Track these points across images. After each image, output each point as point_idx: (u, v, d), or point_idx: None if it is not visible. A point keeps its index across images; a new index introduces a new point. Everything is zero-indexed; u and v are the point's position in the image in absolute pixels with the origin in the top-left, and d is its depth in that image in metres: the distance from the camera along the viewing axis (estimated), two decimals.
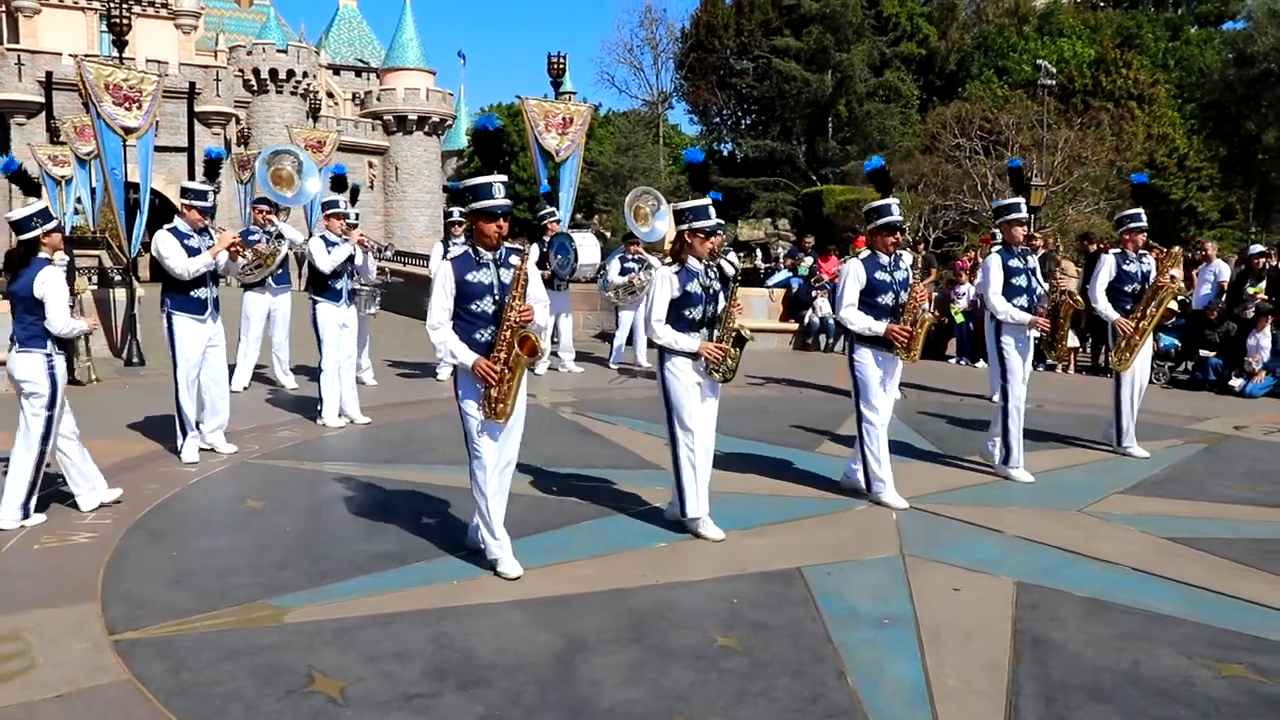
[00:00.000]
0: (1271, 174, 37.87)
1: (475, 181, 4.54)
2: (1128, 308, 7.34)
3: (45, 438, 5.43)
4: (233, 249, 6.94)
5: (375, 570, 4.74)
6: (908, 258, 6.16)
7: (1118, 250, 7.55)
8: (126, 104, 11.52)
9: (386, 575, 4.68)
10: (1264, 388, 10.59)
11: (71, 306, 5.80)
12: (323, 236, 8.41)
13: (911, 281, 5.91)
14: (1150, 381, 8.14)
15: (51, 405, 5.43)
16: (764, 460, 7.08)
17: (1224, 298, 12.11)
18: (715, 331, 5.21)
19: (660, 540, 5.24)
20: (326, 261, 8.23)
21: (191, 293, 6.85)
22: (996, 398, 6.93)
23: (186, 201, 6.95)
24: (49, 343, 5.43)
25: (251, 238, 8.95)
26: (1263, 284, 11.60)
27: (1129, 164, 30.17)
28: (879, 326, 5.80)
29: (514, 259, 4.61)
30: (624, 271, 11.49)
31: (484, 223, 4.53)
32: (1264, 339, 10.75)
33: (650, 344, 5.85)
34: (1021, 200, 7.12)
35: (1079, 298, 7.54)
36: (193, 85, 41.64)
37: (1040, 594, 4.52)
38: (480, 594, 4.47)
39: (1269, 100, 35.47)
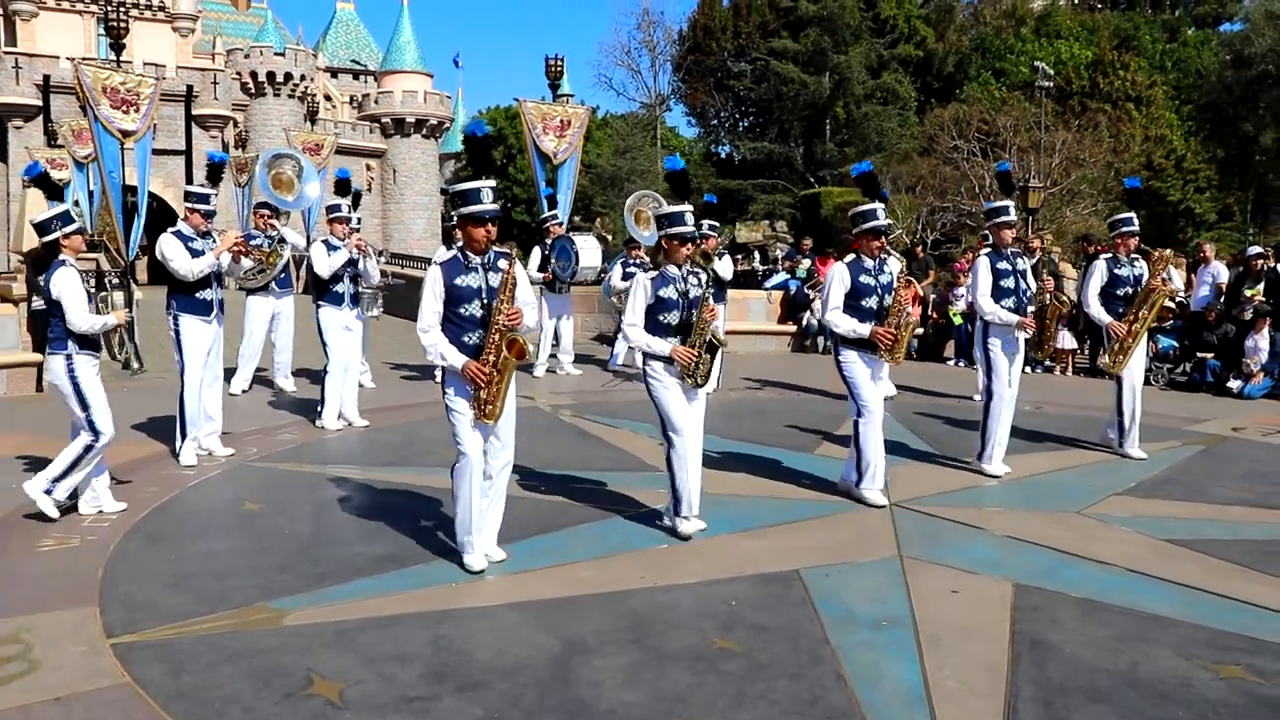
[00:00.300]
0: (1269, 175, 37.95)
1: (464, 187, 4.59)
2: (1120, 311, 7.35)
3: (91, 430, 5.53)
4: (235, 249, 6.97)
5: (374, 573, 4.74)
6: (893, 262, 6.20)
7: (1109, 255, 7.57)
8: (124, 107, 11.51)
9: (385, 578, 4.68)
10: (1262, 389, 10.61)
11: (102, 300, 5.90)
12: (325, 240, 8.43)
13: (895, 285, 5.95)
14: (1147, 383, 8.15)
15: (83, 406, 5.55)
16: (762, 462, 7.08)
17: (1222, 299, 12.13)
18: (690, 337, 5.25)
19: (659, 542, 5.25)
20: (325, 266, 8.25)
21: (197, 294, 6.89)
22: (978, 397, 6.96)
23: (190, 205, 7.01)
24: (70, 343, 5.55)
25: (252, 241, 8.95)
26: (1260, 286, 11.62)
27: (1126, 166, 30.26)
28: (864, 329, 5.86)
29: (502, 263, 4.65)
30: (627, 276, 11.50)
31: (472, 227, 4.58)
32: (1262, 341, 10.77)
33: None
34: (1010, 203, 7.17)
35: (1065, 299, 7.56)
36: (190, 88, 41.86)
37: (1038, 596, 4.53)
38: (479, 596, 4.48)
39: (1266, 101, 35.55)
